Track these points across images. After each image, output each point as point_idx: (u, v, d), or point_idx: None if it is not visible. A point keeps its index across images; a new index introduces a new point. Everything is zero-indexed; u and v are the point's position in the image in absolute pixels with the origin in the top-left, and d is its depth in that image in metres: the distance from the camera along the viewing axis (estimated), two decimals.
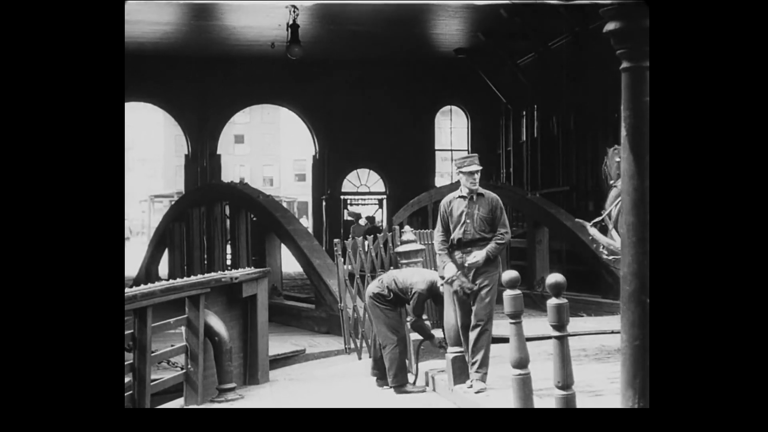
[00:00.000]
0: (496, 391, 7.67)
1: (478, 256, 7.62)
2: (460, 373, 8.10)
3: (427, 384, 9.04)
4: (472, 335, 7.68)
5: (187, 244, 21.62)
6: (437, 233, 7.88)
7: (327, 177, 29.40)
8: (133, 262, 22.88)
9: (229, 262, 19.70)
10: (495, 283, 7.60)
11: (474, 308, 7.68)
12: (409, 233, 9.88)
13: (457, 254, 7.72)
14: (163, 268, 22.96)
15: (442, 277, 7.85)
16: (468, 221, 7.67)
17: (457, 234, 7.72)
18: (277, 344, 12.24)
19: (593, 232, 10.58)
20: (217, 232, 20.47)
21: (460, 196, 7.79)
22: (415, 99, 28.48)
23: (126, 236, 42.61)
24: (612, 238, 10.39)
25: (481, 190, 7.79)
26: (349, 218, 20.96)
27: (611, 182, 10.42)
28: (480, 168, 7.83)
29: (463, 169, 7.71)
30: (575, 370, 5.95)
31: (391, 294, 8.73)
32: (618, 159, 10.61)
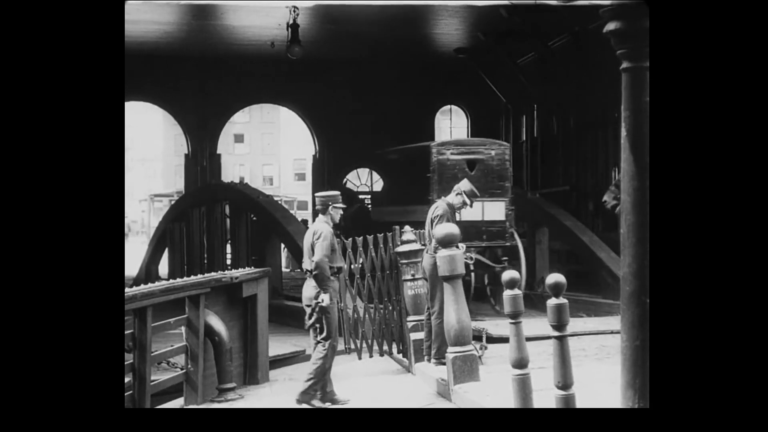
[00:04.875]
0: (496, 391, 7.67)
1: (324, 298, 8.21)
2: (460, 373, 8.10)
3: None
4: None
5: (187, 244, 21.61)
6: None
7: (327, 177, 29.36)
8: (133, 262, 22.87)
9: (229, 262, 19.70)
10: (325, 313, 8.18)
11: None
12: (409, 233, 9.87)
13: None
14: (163, 267, 22.95)
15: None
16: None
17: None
18: (277, 344, 12.23)
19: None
20: (217, 232, 20.47)
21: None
22: (415, 99, 28.42)
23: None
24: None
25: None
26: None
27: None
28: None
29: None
30: (575, 370, 5.96)
31: None
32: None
